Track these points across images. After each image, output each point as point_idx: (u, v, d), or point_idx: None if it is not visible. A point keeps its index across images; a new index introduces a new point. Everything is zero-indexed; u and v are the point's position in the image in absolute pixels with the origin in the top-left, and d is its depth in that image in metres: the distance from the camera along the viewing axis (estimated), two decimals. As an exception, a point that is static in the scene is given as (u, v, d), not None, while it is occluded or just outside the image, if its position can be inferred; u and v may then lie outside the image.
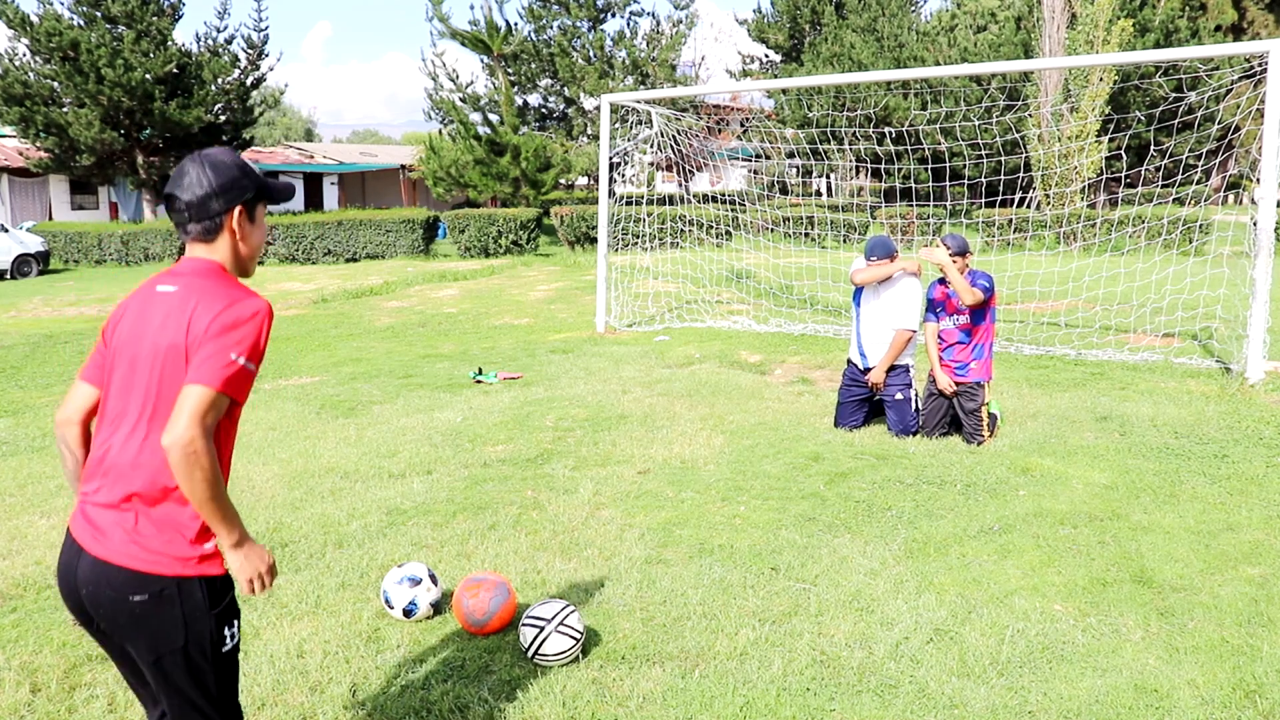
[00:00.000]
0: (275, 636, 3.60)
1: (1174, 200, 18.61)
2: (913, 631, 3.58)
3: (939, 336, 6.39)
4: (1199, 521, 4.67)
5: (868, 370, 6.48)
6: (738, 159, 29.12)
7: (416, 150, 37.35)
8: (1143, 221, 16.20)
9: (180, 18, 28.40)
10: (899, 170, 15.51)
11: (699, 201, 18.03)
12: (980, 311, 6.20)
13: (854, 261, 6.64)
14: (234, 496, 5.27)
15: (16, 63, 26.26)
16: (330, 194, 38.47)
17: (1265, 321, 7.61)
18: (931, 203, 16.91)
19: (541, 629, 3.34)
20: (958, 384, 6.23)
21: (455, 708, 3.13)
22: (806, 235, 19.37)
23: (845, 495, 5.15)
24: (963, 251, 6.13)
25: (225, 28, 29.84)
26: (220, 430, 2.10)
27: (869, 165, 27.59)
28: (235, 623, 2.20)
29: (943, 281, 6.33)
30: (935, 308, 6.38)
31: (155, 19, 27.28)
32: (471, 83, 30.17)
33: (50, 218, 29.99)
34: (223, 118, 29.46)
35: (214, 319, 2.05)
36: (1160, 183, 23.42)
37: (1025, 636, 3.54)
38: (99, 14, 26.80)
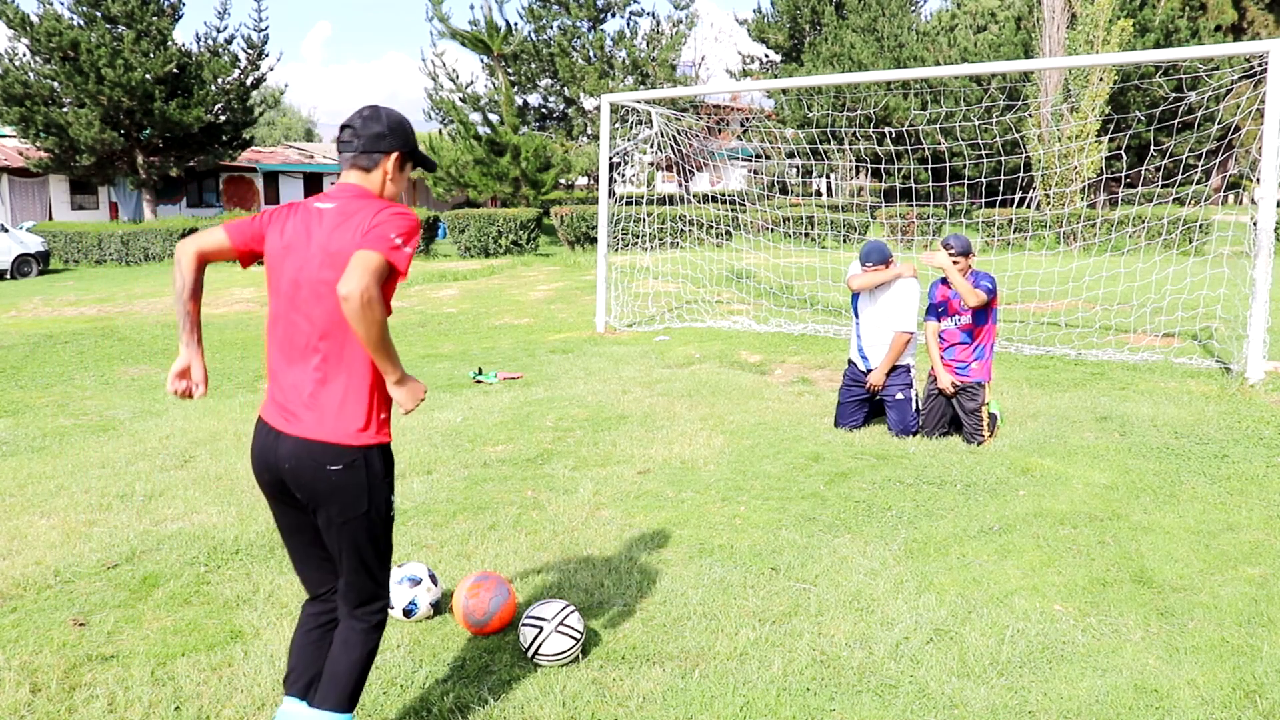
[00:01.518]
0: (275, 636, 3.60)
1: (1174, 200, 18.61)
2: (913, 631, 3.58)
3: (940, 336, 6.39)
4: (1199, 521, 4.67)
5: (869, 372, 6.49)
6: (738, 159, 29.12)
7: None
8: (1143, 221, 16.20)
9: (180, 18, 28.43)
10: (899, 170, 15.51)
11: (699, 201, 18.04)
12: (982, 312, 6.20)
13: (850, 266, 6.64)
14: (234, 496, 5.28)
15: (16, 63, 26.27)
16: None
17: (1265, 321, 7.61)
18: (931, 203, 16.92)
19: (541, 629, 3.34)
20: (959, 383, 6.23)
21: (455, 708, 3.13)
22: (806, 235, 19.38)
23: (845, 495, 5.15)
24: (965, 252, 6.13)
25: (225, 28, 29.88)
26: (385, 296, 2.51)
27: (869, 165, 27.59)
28: (393, 496, 2.75)
29: (945, 281, 6.33)
30: (937, 308, 6.38)
31: (155, 19, 27.29)
32: (471, 83, 30.18)
33: (50, 218, 29.99)
34: (223, 118, 29.48)
35: (377, 213, 2.53)
36: (1160, 183, 23.42)
37: (1025, 636, 3.54)
38: (99, 14, 26.81)
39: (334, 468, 2.55)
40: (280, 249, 2.63)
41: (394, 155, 2.67)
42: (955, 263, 6.12)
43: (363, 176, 2.67)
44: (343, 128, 2.70)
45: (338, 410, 2.57)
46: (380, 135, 2.65)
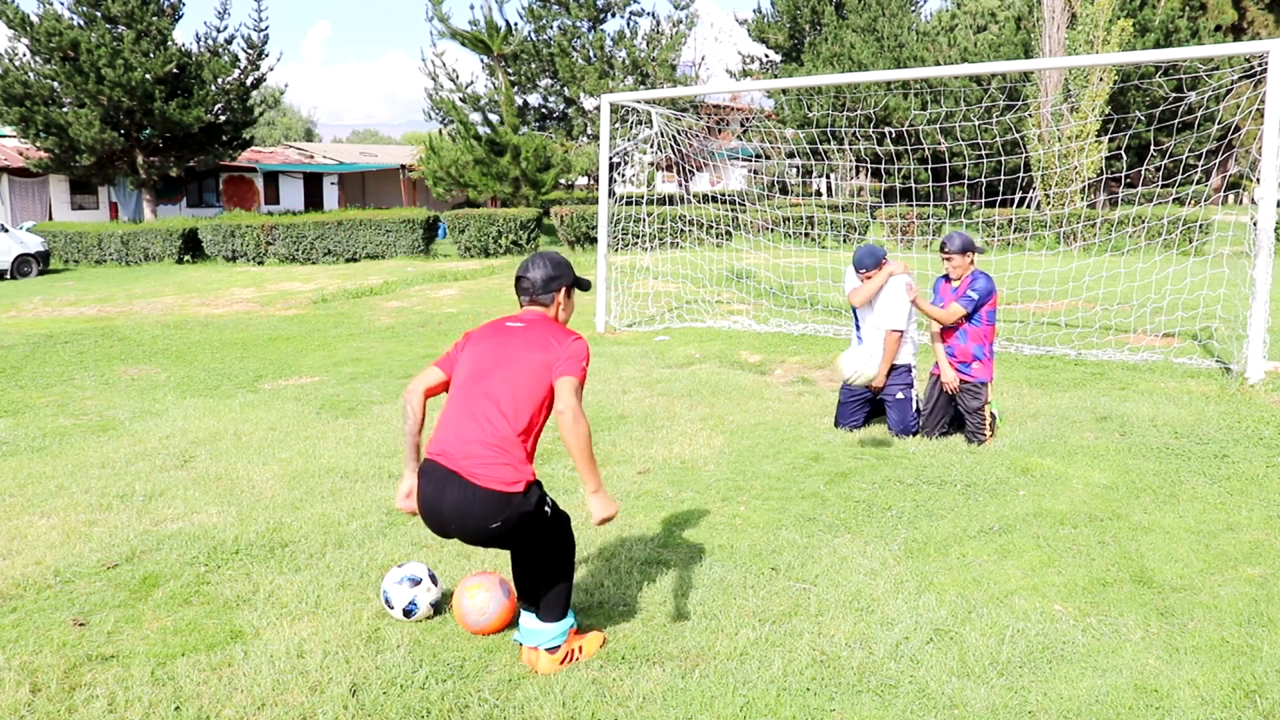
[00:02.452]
0: (275, 636, 3.60)
1: (1174, 200, 18.61)
2: (913, 631, 3.58)
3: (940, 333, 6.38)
4: (1199, 521, 4.67)
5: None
6: (738, 159, 29.12)
7: (416, 150, 37.35)
8: (1143, 221, 16.19)
9: (180, 18, 28.42)
10: (899, 170, 15.51)
11: (699, 201, 18.03)
12: (977, 313, 6.19)
13: (846, 275, 6.63)
14: (234, 496, 5.28)
15: (16, 63, 26.26)
16: (330, 194, 38.47)
17: (1265, 321, 7.61)
18: (931, 203, 16.92)
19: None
20: (961, 381, 6.23)
21: (455, 708, 3.13)
22: (806, 235, 19.37)
23: (845, 495, 5.15)
24: (965, 249, 6.12)
25: (225, 28, 29.85)
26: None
27: (869, 165, 27.59)
28: (549, 499, 3.37)
29: (947, 279, 6.32)
30: (938, 301, 6.36)
31: (155, 19, 27.28)
32: (471, 83, 30.19)
33: (50, 218, 29.98)
34: (223, 118, 29.47)
35: (569, 343, 3.34)
36: (1160, 183, 23.43)
37: (1025, 636, 3.54)
38: (99, 14, 26.80)
39: (494, 525, 3.20)
40: (472, 359, 3.38)
41: (563, 290, 3.53)
42: (949, 259, 6.13)
43: (542, 310, 3.49)
44: (519, 279, 3.50)
45: (505, 475, 3.20)
46: (551, 279, 3.49)
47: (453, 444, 3.22)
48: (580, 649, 3.44)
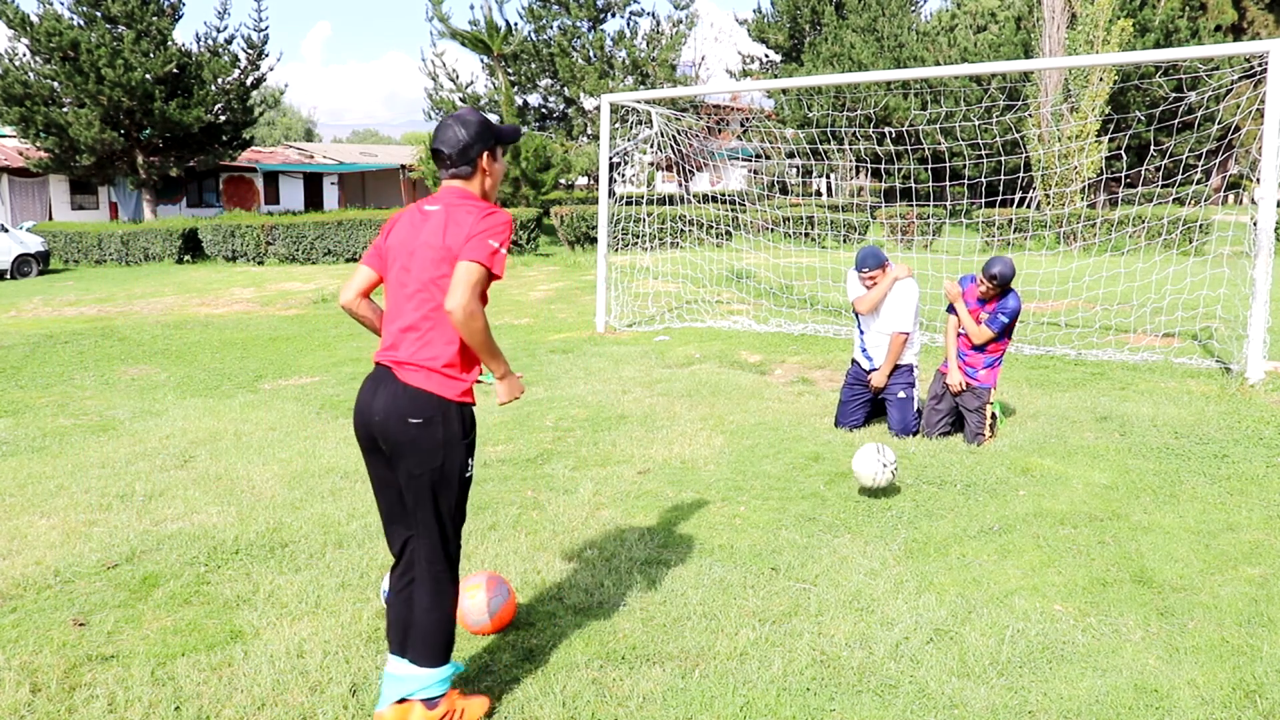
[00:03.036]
0: (275, 636, 3.60)
1: (1174, 200, 18.61)
2: (913, 631, 3.58)
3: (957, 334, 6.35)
4: (1199, 521, 4.67)
5: (871, 372, 6.49)
6: (738, 159, 29.12)
7: (416, 150, 37.33)
8: (1143, 221, 16.20)
9: (180, 18, 28.41)
10: (899, 170, 15.52)
11: (699, 201, 18.04)
12: (1002, 332, 6.17)
13: (847, 277, 6.62)
14: (234, 496, 5.28)
15: (16, 63, 26.25)
16: (330, 194, 38.47)
17: (1265, 321, 7.61)
18: (931, 203, 16.92)
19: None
20: (966, 383, 6.23)
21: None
22: (806, 235, 19.37)
23: (845, 495, 5.15)
24: (1006, 281, 5.99)
25: (225, 28, 29.83)
26: (484, 296, 2.89)
27: (869, 165, 27.59)
28: (473, 458, 3.00)
29: (973, 279, 6.28)
30: (965, 304, 6.30)
31: (155, 19, 27.28)
32: (471, 83, 30.20)
33: (50, 218, 29.98)
34: (223, 118, 29.46)
35: (477, 220, 2.86)
36: (1160, 183, 23.42)
37: (1025, 636, 3.54)
38: (99, 14, 26.79)
39: (414, 420, 2.86)
40: (391, 248, 3.04)
41: (485, 155, 3.00)
42: (991, 281, 5.99)
43: (464, 183, 3.01)
44: (433, 151, 3.00)
45: (429, 375, 2.90)
46: (468, 144, 2.97)
47: (386, 344, 2.98)
48: (463, 712, 3.00)
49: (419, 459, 2.87)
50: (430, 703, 2.95)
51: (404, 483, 2.92)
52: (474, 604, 3.57)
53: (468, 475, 2.98)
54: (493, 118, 28.77)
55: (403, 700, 2.96)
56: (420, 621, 2.95)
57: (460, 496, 2.98)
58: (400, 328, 2.93)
